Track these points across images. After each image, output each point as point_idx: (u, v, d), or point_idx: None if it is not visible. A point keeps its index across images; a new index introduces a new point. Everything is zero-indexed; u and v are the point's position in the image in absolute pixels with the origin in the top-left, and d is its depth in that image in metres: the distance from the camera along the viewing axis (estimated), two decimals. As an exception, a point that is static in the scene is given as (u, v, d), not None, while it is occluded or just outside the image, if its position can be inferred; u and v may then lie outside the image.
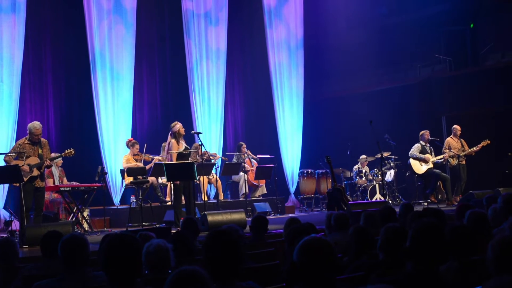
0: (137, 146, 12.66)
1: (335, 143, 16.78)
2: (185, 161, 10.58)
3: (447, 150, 13.48)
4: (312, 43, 17.77)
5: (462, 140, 13.67)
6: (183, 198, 11.00)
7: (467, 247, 4.00)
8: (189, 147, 11.07)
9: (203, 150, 11.46)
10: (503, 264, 3.16)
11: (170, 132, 11.23)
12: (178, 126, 11.17)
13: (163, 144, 13.10)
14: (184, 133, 11.21)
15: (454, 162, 13.48)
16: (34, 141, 9.66)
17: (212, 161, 13.62)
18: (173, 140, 11.08)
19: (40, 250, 5.15)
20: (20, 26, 12.40)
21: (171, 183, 12.88)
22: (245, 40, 17.46)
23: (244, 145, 14.59)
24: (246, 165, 14.11)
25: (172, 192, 11.54)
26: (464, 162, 13.53)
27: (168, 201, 12.70)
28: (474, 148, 13.45)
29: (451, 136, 13.74)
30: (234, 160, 14.38)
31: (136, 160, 12.46)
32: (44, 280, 3.93)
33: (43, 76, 13.83)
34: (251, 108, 17.36)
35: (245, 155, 14.41)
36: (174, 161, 10.82)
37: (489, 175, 14.62)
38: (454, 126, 13.78)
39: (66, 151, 10.20)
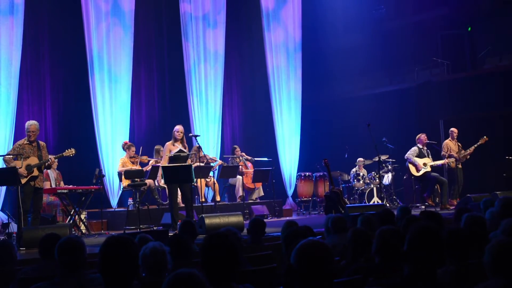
0: (133, 149, 12.62)
1: (332, 146, 16.78)
2: (183, 164, 10.54)
3: (447, 154, 13.45)
4: (310, 46, 17.77)
5: (458, 143, 13.66)
6: (179, 201, 11.00)
7: (464, 251, 4.00)
8: (185, 150, 10.97)
9: (202, 153, 11.45)
10: (500, 268, 3.16)
11: None
12: (178, 128, 11.09)
13: (156, 147, 13.08)
14: (179, 137, 11.01)
15: (453, 164, 13.46)
16: (30, 140, 9.66)
17: (213, 165, 13.62)
18: (168, 142, 11.04)
19: (38, 252, 5.15)
20: (18, 28, 12.40)
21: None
22: (243, 42, 17.47)
23: (238, 148, 14.63)
24: (241, 168, 14.13)
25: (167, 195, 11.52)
26: (460, 166, 13.52)
27: (166, 203, 12.70)
28: (472, 148, 13.40)
29: (449, 138, 13.73)
30: (230, 163, 14.40)
31: (133, 163, 12.45)
32: (40, 283, 3.92)
33: (41, 78, 13.81)
34: (249, 111, 17.36)
35: (240, 158, 14.42)
36: (164, 164, 10.75)
37: (486, 179, 14.64)
38: (452, 129, 13.77)
39: (67, 151, 10.18)
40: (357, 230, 5.00)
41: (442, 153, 13.58)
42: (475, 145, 13.38)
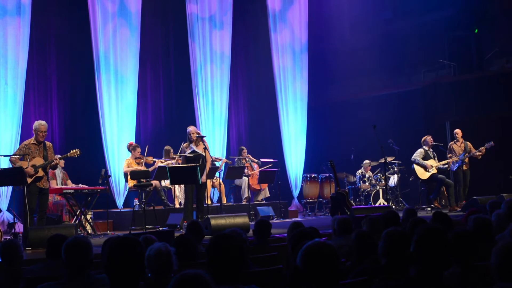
0: (139, 150, 12.64)
1: (338, 148, 16.78)
2: (188, 165, 10.56)
3: (450, 155, 13.45)
4: (316, 47, 17.77)
5: (468, 143, 13.53)
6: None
7: (470, 253, 3.99)
8: (198, 150, 10.99)
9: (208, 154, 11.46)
10: (507, 270, 3.15)
11: None
12: (189, 129, 11.12)
13: (165, 148, 13.13)
14: (194, 138, 11.09)
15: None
16: (39, 141, 9.68)
17: (218, 164, 13.62)
18: (184, 144, 11.10)
19: (46, 252, 5.16)
20: (25, 29, 12.41)
21: (174, 187, 12.92)
22: (249, 44, 17.48)
23: (245, 150, 14.61)
24: (247, 169, 14.13)
25: (182, 195, 11.53)
26: (465, 168, 13.43)
27: (172, 205, 12.72)
28: (480, 151, 13.34)
29: (454, 141, 13.69)
30: (236, 164, 14.39)
31: (138, 164, 12.46)
32: (47, 282, 3.93)
33: (47, 79, 13.85)
34: (255, 112, 17.36)
35: (246, 159, 14.41)
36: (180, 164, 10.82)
37: (493, 181, 14.59)
38: (455, 130, 13.73)
39: (71, 151, 10.18)
40: (360, 232, 4.99)
41: (448, 155, 13.56)
42: (480, 152, 13.33)
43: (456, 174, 13.49)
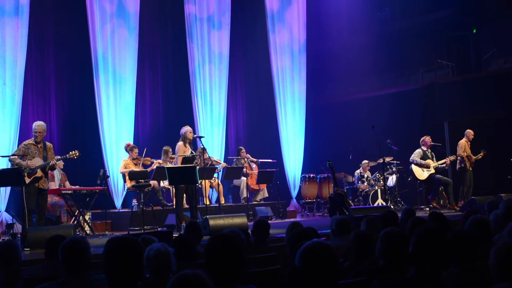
0: (136, 150, 12.64)
1: (337, 148, 16.77)
2: (187, 165, 10.55)
3: (465, 154, 13.40)
4: (314, 47, 17.77)
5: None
6: (184, 201, 11.02)
7: (469, 253, 3.99)
8: (194, 152, 11.02)
9: (206, 155, 11.46)
10: (506, 270, 3.15)
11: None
12: (184, 129, 11.13)
13: (164, 148, 13.13)
14: (191, 138, 11.11)
15: (469, 165, 13.42)
16: (36, 141, 9.67)
17: (218, 167, 13.61)
18: (180, 143, 11.07)
19: (44, 253, 5.15)
20: (23, 29, 12.39)
21: (172, 187, 12.92)
22: (247, 44, 17.48)
23: (244, 150, 14.61)
24: (246, 169, 14.13)
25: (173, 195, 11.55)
26: (471, 168, 13.48)
27: (171, 204, 12.73)
28: (479, 156, 13.44)
29: (465, 139, 13.64)
30: (234, 164, 14.38)
31: (136, 165, 12.45)
32: (45, 283, 3.92)
33: (45, 79, 13.84)
34: (253, 112, 17.36)
35: (245, 159, 14.41)
36: (179, 165, 10.81)
37: (491, 181, 14.60)
38: (469, 130, 13.69)
39: (71, 153, 10.15)
40: (359, 232, 4.99)
41: (459, 152, 13.49)
42: (479, 156, 13.41)
43: (463, 174, 13.47)
